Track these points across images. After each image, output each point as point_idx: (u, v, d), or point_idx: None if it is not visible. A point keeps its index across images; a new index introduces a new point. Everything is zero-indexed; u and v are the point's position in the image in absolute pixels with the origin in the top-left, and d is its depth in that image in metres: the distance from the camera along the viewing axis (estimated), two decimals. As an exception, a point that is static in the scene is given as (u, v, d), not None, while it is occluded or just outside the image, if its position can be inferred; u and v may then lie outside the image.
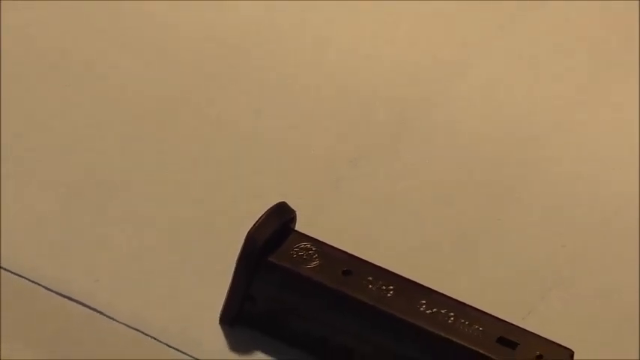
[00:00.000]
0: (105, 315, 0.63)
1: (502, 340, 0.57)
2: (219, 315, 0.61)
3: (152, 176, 0.72)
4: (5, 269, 0.67)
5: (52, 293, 0.65)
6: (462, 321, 0.58)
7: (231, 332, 0.62)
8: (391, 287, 0.59)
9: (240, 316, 0.61)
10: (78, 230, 0.69)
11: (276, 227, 0.60)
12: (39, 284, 0.65)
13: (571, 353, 0.56)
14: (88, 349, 0.63)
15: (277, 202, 0.60)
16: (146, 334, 0.61)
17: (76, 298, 0.65)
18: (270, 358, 0.61)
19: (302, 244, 0.61)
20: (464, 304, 0.59)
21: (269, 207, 0.60)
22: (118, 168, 0.73)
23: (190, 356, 0.61)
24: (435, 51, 0.82)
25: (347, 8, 0.85)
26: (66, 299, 0.65)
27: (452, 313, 0.58)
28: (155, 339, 0.61)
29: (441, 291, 0.59)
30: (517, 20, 0.84)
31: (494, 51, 0.82)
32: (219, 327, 0.61)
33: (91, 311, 0.64)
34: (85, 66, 0.86)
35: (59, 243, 0.69)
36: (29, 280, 0.65)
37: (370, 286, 0.59)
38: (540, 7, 0.86)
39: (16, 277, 0.66)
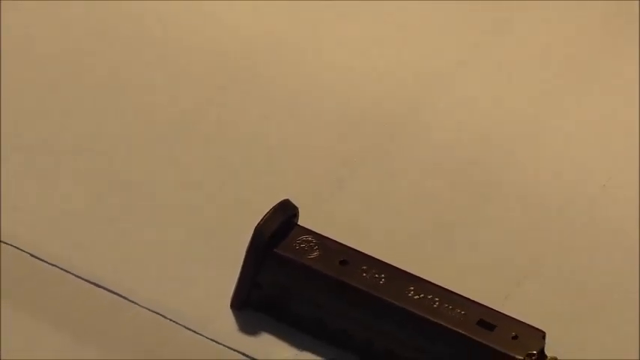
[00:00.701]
0: (129, 300, 0.67)
1: (482, 323, 0.60)
2: (230, 300, 0.65)
3: (171, 177, 0.76)
4: (39, 259, 0.70)
5: (82, 280, 0.69)
6: (446, 305, 0.61)
7: (241, 315, 0.66)
8: (383, 275, 0.63)
9: (248, 301, 0.65)
10: (106, 225, 0.73)
11: (281, 222, 0.64)
12: (70, 272, 0.69)
13: (543, 334, 0.59)
14: (114, 330, 0.66)
15: (282, 199, 0.65)
16: (165, 317, 0.65)
17: (103, 285, 0.68)
18: (274, 338, 0.64)
19: (304, 237, 0.65)
20: (447, 290, 0.62)
21: (275, 204, 0.64)
22: (141, 169, 0.76)
23: (204, 336, 0.64)
24: (422, 65, 0.85)
25: (344, 29, 0.88)
26: (94, 285, 0.68)
27: (437, 299, 0.62)
28: (173, 321, 0.65)
29: (427, 278, 0.63)
30: (495, 36, 0.87)
31: (473, 66, 0.85)
32: (230, 311, 0.65)
33: (117, 297, 0.68)
34: (108, 72, 0.87)
35: (89, 236, 0.72)
36: (61, 268, 0.69)
37: (364, 275, 0.63)
38: (516, 25, 0.88)
39: (49, 265, 0.70)
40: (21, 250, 0.72)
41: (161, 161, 0.78)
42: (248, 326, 0.66)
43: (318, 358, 0.64)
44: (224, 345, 0.65)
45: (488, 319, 0.61)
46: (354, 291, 0.63)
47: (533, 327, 0.61)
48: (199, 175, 0.77)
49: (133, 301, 0.68)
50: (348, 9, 0.91)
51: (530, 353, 0.60)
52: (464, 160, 0.79)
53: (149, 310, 0.67)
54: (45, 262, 0.71)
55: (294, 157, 0.77)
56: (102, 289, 0.69)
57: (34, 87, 0.86)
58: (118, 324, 0.68)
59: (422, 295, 0.62)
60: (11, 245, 0.72)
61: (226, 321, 0.66)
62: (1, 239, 0.73)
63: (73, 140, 0.83)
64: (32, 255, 0.72)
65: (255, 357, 0.64)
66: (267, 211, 0.64)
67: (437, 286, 0.63)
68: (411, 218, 0.74)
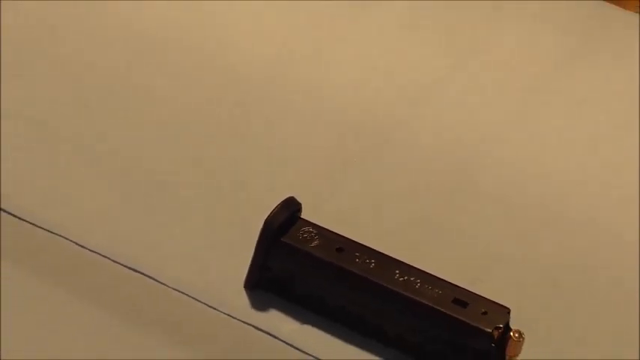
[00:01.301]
0: (157, 281, 0.72)
1: (456, 301, 0.65)
2: (243, 281, 0.71)
3: (195, 177, 0.80)
4: (82, 246, 0.74)
5: (118, 265, 0.73)
6: (426, 286, 0.66)
7: (252, 294, 0.71)
8: (373, 261, 0.68)
9: (259, 283, 0.70)
10: (140, 217, 0.77)
11: (287, 215, 0.69)
12: (108, 258, 0.73)
13: (508, 310, 0.64)
14: (146, 308, 0.71)
15: (287, 197, 0.70)
16: (188, 295, 0.70)
17: (137, 268, 0.73)
18: (280, 313, 0.70)
19: (306, 228, 0.69)
20: (427, 273, 0.67)
21: (281, 200, 0.70)
22: (167, 170, 0.81)
23: (221, 312, 0.69)
24: (410, 80, 0.89)
25: (343, 48, 0.92)
26: (129, 269, 0.73)
27: (418, 280, 0.67)
28: (195, 299, 0.70)
29: (410, 263, 0.68)
30: (474, 54, 0.91)
31: (455, 79, 0.90)
32: (243, 290, 0.71)
33: (150, 280, 0.72)
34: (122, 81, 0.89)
35: (125, 228, 0.77)
36: (101, 254, 0.73)
37: (357, 260, 0.68)
38: (493, 45, 0.91)
39: (90, 252, 0.74)
40: (67, 239, 0.74)
41: (186, 164, 0.82)
42: (259, 304, 0.70)
43: (318, 330, 0.69)
44: (238, 319, 0.69)
45: (462, 297, 0.66)
46: (348, 274, 0.67)
47: (500, 304, 0.65)
48: (218, 174, 0.80)
49: (161, 282, 0.72)
50: (346, 31, 0.94)
51: (498, 327, 0.64)
52: (445, 161, 0.83)
53: (174, 289, 0.71)
54: (87, 249, 0.74)
55: (298, 161, 0.81)
56: (134, 272, 0.73)
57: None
58: (148, 302, 0.71)
59: (406, 278, 0.67)
60: (63, 237, 0.74)
61: (240, 299, 0.71)
62: (44, 227, 0.75)
63: (102, 139, 0.84)
64: (77, 244, 0.75)
65: (265, 329, 0.69)
66: (275, 206, 0.69)
67: (419, 269, 0.68)
68: (397, 212, 0.78)
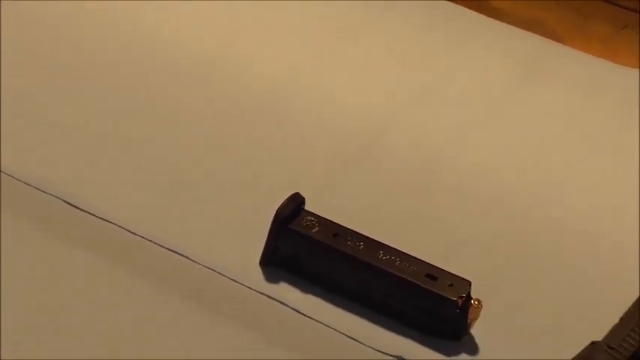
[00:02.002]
0: (184, 256, 0.76)
1: (428, 275, 0.70)
2: (259, 259, 0.75)
3: (220, 176, 0.84)
4: (122, 227, 0.77)
5: (151, 243, 0.77)
6: (405, 264, 0.70)
7: (266, 270, 0.75)
8: (362, 243, 0.72)
9: (271, 260, 0.74)
10: (173, 206, 0.81)
11: (293, 207, 0.73)
12: (145, 238, 0.77)
13: (470, 283, 0.69)
14: (173, 282, 0.75)
15: (293, 192, 0.75)
16: (213, 270, 0.75)
17: (166, 246, 0.76)
18: (288, 285, 0.74)
19: (308, 218, 0.73)
20: (405, 252, 0.71)
21: (288, 195, 0.74)
22: (194, 171, 0.84)
23: (240, 283, 0.74)
24: (389, 103, 0.93)
25: (337, 75, 0.96)
26: (160, 247, 0.76)
27: (398, 259, 0.71)
28: (219, 273, 0.75)
29: (391, 245, 0.72)
30: (442, 79, 0.96)
31: (426, 102, 0.93)
32: (258, 267, 0.75)
33: (182, 257, 0.76)
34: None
35: (162, 212, 0.80)
36: (148, 239, 0.77)
37: (349, 243, 0.72)
38: (458, 70, 0.97)
39: (130, 234, 0.77)
40: (112, 222, 0.77)
41: (213, 168, 0.85)
42: (271, 277, 0.75)
43: (319, 298, 0.73)
44: (254, 289, 0.74)
45: (433, 273, 0.70)
46: (342, 254, 0.72)
47: (463, 278, 0.70)
48: (239, 175, 0.84)
49: (191, 259, 0.76)
50: (340, 60, 0.98)
51: (461, 296, 0.68)
52: (419, 163, 0.87)
53: (202, 265, 0.76)
54: (129, 231, 0.78)
55: (302, 163, 0.86)
56: (165, 249, 0.77)
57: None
58: (179, 278, 0.75)
59: (388, 257, 0.71)
60: (113, 223, 0.77)
61: (256, 274, 0.75)
62: (93, 212, 0.77)
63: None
64: (123, 227, 0.78)
65: (275, 298, 0.73)
66: (284, 200, 0.73)
67: (398, 250, 0.72)
68: (381, 205, 0.83)
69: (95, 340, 0.69)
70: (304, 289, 0.74)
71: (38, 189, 0.78)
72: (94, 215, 0.77)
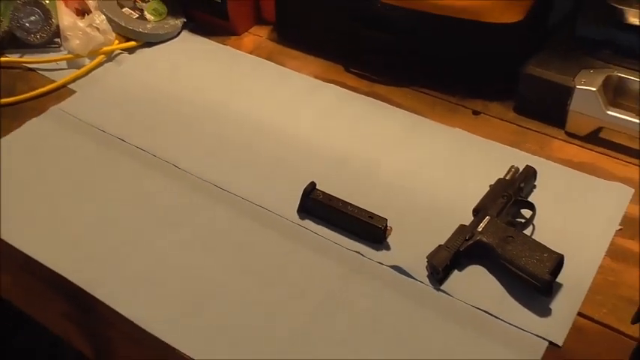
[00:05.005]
0: (259, 205, 1.18)
1: (369, 217, 1.20)
2: (296, 208, 1.23)
3: (269, 166, 1.28)
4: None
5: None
6: (356, 210, 1.20)
7: (301, 215, 1.24)
8: (340, 202, 1.21)
9: (302, 210, 1.24)
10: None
11: (311, 188, 1.22)
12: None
13: (386, 220, 1.16)
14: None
15: (310, 180, 1.23)
16: (275, 213, 1.21)
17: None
18: (310, 222, 1.20)
19: (318, 191, 1.23)
20: (360, 207, 1.20)
21: (308, 182, 1.23)
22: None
23: (285, 218, 1.19)
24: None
25: (328, 123, 1.37)
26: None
27: (355, 210, 1.21)
28: (278, 215, 1.23)
29: (351, 202, 1.19)
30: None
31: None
32: (296, 213, 1.24)
33: (258, 206, 1.15)
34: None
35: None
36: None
37: (335, 202, 1.23)
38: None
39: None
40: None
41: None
42: (304, 217, 1.22)
43: (326, 229, 1.14)
44: (293, 222, 1.20)
45: (370, 215, 1.20)
46: (332, 207, 1.20)
47: (382, 216, 1.17)
48: (279, 172, 1.26)
49: (261, 206, 1.19)
50: (333, 110, 1.39)
51: (384, 224, 1.16)
52: (359, 168, 1.28)
53: (269, 210, 1.19)
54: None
55: (312, 170, 1.27)
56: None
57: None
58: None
59: (351, 207, 1.21)
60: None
61: (294, 216, 1.23)
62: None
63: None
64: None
65: (304, 225, 1.17)
66: (307, 184, 1.22)
67: (358, 207, 1.20)
68: (348, 186, 1.26)
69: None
70: (317, 223, 1.25)
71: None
72: None
